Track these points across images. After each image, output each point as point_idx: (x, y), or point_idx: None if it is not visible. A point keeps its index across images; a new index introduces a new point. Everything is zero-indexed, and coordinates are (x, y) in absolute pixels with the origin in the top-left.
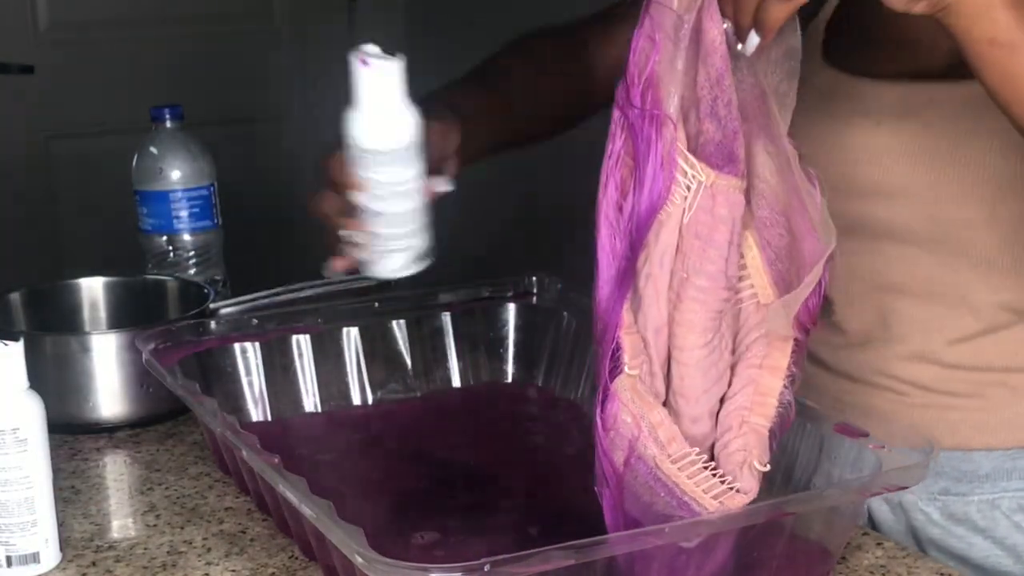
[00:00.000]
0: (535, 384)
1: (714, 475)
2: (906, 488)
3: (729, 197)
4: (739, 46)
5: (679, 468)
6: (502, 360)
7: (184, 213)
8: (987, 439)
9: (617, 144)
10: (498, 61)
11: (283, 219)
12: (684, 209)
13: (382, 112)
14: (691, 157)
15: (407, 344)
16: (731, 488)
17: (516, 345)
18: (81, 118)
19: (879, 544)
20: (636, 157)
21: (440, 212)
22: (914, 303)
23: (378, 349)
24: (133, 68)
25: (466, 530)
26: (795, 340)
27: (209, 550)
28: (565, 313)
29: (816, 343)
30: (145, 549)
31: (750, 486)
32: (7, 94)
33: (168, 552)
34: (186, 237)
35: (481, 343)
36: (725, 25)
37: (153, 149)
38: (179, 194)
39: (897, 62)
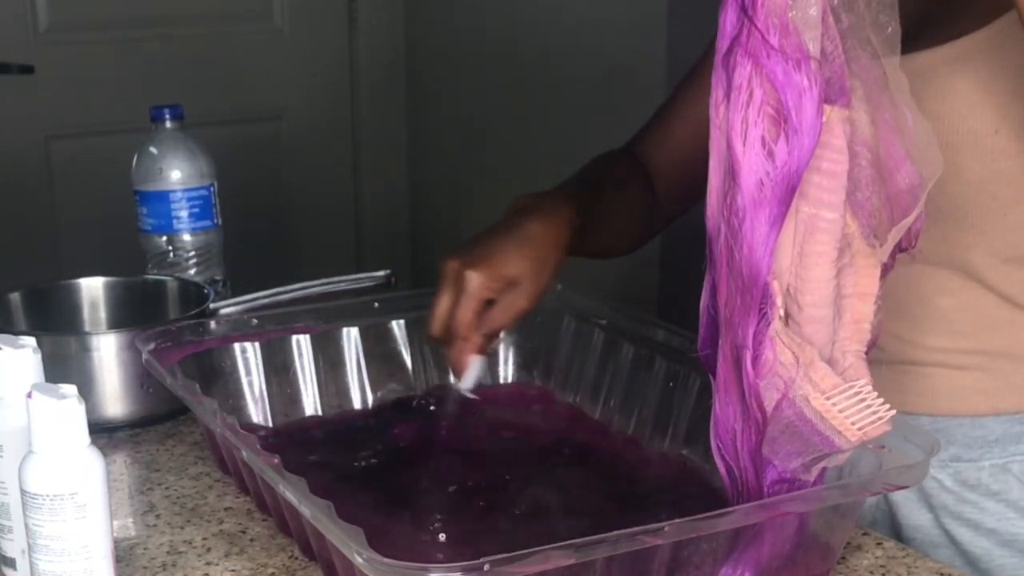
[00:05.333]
0: (535, 384)
1: (863, 403)
2: (906, 488)
3: (843, 127)
4: None
5: (833, 403)
6: (502, 360)
7: (184, 213)
8: (995, 404)
9: (757, 94)
10: (613, 171)
11: (283, 219)
12: None
13: None
14: None
15: (407, 344)
16: (876, 417)
17: (516, 345)
18: (81, 118)
19: (879, 544)
20: (785, 105)
21: None
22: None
23: (378, 349)
24: (133, 68)
25: (464, 529)
26: (883, 264)
27: (209, 550)
28: (565, 313)
29: None
30: (145, 549)
31: (887, 412)
32: (7, 94)
33: (168, 552)
34: (186, 237)
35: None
36: None
37: (153, 149)
38: (179, 194)
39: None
